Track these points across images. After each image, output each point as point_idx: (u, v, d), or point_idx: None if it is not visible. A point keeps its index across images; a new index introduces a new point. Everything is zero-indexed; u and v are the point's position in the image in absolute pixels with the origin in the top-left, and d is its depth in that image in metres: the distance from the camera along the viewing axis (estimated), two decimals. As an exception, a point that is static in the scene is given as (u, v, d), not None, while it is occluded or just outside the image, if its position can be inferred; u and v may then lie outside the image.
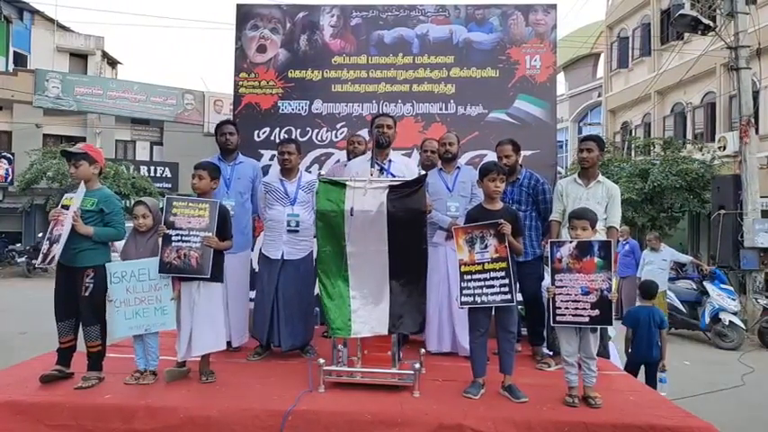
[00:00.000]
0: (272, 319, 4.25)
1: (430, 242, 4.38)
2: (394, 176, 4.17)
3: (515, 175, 4.54)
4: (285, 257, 4.29)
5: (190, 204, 3.67)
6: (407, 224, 3.56)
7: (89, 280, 3.57)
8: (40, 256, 3.62)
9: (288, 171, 4.38)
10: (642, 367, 4.92)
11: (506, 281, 3.38)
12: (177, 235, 3.59)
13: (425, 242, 3.68)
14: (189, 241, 3.59)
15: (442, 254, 4.42)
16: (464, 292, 3.47)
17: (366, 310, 3.56)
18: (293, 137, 5.68)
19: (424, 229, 3.68)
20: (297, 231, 4.30)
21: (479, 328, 3.53)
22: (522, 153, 4.72)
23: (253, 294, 4.64)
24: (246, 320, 4.63)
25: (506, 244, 3.40)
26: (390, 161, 4.43)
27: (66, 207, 3.62)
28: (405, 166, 4.42)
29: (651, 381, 4.78)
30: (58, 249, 3.50)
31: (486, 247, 3.45)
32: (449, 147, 4.58)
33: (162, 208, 3.79)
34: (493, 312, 3.53)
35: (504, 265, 3.39)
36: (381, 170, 4.29)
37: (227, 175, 4.56)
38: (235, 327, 4.45)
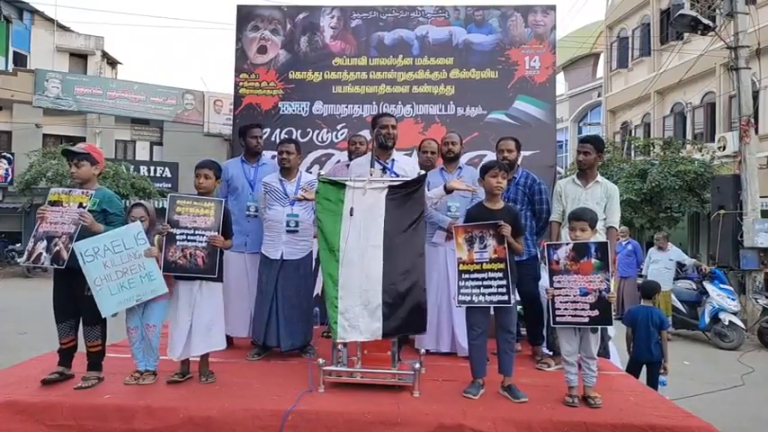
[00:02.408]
0: (270, 319, 4.25)
1: (430, 242, 4.39)
2: (397, 176, 4.16)
3: (512, 174, 4.53)
4: (284, 258, 4.29)
5: (194, 203, 3.63)
6: (406, 224, 3.55)
7: None
8: (26, 253, 3.54)
9: (287, 171, 4.38)
10: (644, 368, 4.91)
11: (503, 282, 3.38)
12: (182, 234, 3.55)
13: (423, 242, 3.67)
14: (195, 240, 3.56)
15: (442, 254, 4.42)
16: (462, 291, 3.47)
17: (353, 313, 3.47)
18: (294, 137, 5.69)
19: (423, 230, 3.66)
20: (296, 231, 4.30)
21: (477, 328, 3.53)
22: (522, 153, 4.73)
23: None
24: None
25: (505, 245, 3.40)
26: (393, 160, 4.42)
27: (51, 203, 3.52)
28: (407, 165, 4.42)
29: (653, 381, 4.77)
30: (61, 248, 3.43)
31: (485, 247, 3.44)
32: (451, 146, 4.58)
33: (158, 209, 3.76)
34: (492, 312, 3.54)
35: (501, 266, 3.39)
36: (384, 169, 4.28)
37: (251, 177, 4.58)
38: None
